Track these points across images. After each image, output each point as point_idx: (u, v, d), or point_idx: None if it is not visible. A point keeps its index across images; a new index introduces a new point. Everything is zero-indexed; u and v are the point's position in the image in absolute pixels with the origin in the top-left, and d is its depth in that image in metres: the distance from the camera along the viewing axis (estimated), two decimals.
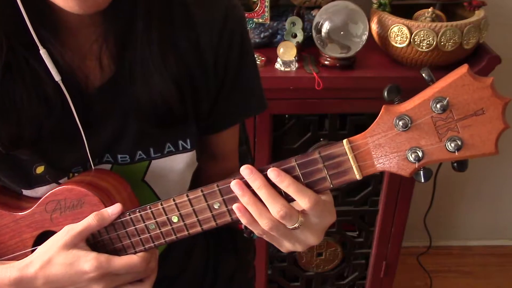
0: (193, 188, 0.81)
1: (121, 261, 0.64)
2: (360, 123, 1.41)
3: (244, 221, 0.61)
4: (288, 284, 1.71)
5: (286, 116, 1.42)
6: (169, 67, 0.68)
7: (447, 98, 0.50)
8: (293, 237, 0.62)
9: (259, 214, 0.60)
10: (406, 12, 1.32)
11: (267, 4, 1.30)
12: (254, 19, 1.31)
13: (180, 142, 0.75)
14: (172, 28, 0.70)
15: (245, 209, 0.60)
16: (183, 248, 0.89)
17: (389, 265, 1.66)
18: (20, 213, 0.71)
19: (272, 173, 0.59)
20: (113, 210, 0.66)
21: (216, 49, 0.73)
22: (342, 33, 1.29)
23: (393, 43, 1.28)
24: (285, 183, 0.58)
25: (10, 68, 0.64)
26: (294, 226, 0.59)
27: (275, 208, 0.58)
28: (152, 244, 0.67)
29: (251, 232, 0.77)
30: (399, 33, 1.25)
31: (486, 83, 0.50)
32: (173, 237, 0.66)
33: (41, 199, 0.69)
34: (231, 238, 0.98)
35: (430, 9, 1.32)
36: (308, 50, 1.39)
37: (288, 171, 0.59)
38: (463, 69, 0.50)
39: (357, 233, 1.67)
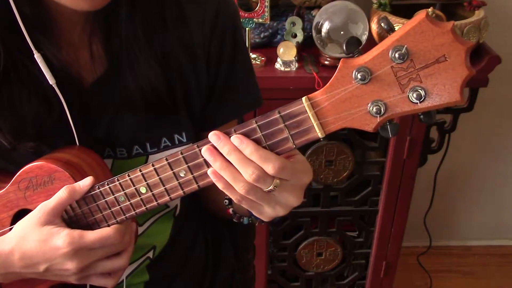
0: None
1: (94, 235, 0.64)
2: None
3: (220, 186, 0.59)
4: (288, 284, 1.71)
5: None
6: (154, 52, 0.69)
7: (405, 46, 0.48)
8: (272, 199, 0.60)
9: (233, 178, 0.58)
10: (406, 12, 1.32)
11: (267, 4, 1.30)
12: (254, 19, 1.31)
13: (176, 136, 0.75)
14: (163, 23, 0.71)
15: (219, 174, 0.59)
16: (183, 247, 0.89)
17: (389, 265, 1.66)
18: None
19: (235, 140, 0.57)
20: (84, 182, 0.66)
21: (209, 46, 0.74)
22: (342, 33, 1.29)
23: None
24: (248, 150, 0.57)
25: (8, 71, 0.65)
26: (269, 188, 0.58)
27: (247, 172, 0.57)
28: (123, 217, 0.67)
29: (241, 216, 0.77)
30: None
31: (446, 28, 0.47)
32: (143, 208, 0.66)
33: (14, 178, 0.69)
34: (231, 237, 0.98)
35: (430, 9, 1.32)
36: (308, 50, 1.39)
37: (250, 134, 0.57)
38: (422, 15, 0.48)
39: (357, 233, 1.67)
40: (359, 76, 0.50)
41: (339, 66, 0.51)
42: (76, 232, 0.64)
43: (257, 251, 1.55)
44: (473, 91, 1.41)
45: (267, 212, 0.62)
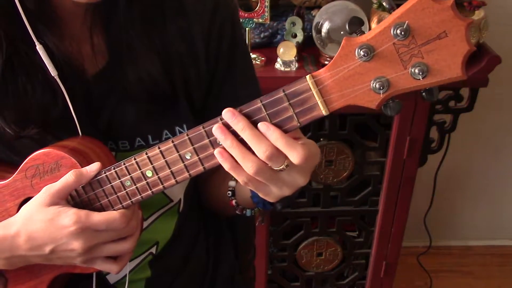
0: (195, 179, 0.83)
1: (100, 216, 0.64)
2: (360, 122, 1.41)
3: (226, 166, 0.58)
4: (288, 284, 1.71)
5: None
6: (153, 44, 0.70)
7: (406, 22, 0.49)
8: (279, 180, 0.60)
9: (242, 157, 0.57)
10: None
11: (267, 4, 1.30)
12: (254, 19, 1.31)
13: (177, 128, 0.76)
14: (162, 14, 0.71)
15: (227, 153, 0.58)
16: (184, 245, 0.89)
17: (389, 265, 1.66)
18: (1, 182, 0.71)
19: (227, 114, 0.57)
20: (91, 167, 0.66)
21: (207, 39, 0.75)
22: (342, 33, 1.29)
23: None
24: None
25: (12, 61, 0.66)
26: (281, 167, 0.57)
27: (261, 148, 0.56)
28: (129, 201, 0.67)
29: (244, 208, 0.77)
30: None
31: (446, 4, 0.48)
32: (149, 192, 0.66)
33: (21, 166, 0.69)
34: (231, 238, 0.98)
35: None
36: (308, 50, 1.39)
37: (255, 113, 0.57)
38: None
39: (357, 233, 1.67)
40: (361, 53, 0.51)
41: (342, 44, 0.52)
42: (83, 212, 0.64)
43: (257, 251, 1.54)
44: (473, 91, 1.41)
45: (274, 193, 0.61)
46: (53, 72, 0.66)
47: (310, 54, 1.38)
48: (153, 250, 0.84)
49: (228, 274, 0.97)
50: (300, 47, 1.35)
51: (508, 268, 2.15)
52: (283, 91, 0.56)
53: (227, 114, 0.57)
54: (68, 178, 0.66)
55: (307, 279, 1.71)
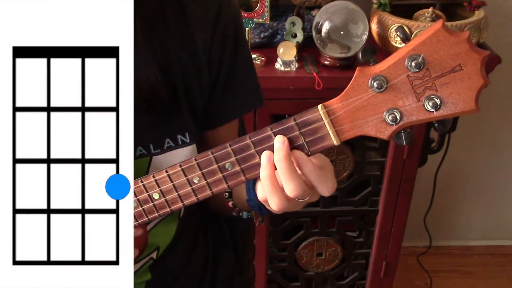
0: None
1: None
2: None
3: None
4: (288, 284, 1.71)
5: (286, 116, 1.42)
6: (154, 53, 0.69)
7: (422, 55, 0.48)
8: (293, 205, 0.59)
9: (269, 192, 0.57)
10: (406, 12, 1.32)
11: (267, 4, 1.30)
12: (254, 19, 1.31)
13: (179, 136, 0.75)
14: (164, 23, 0.71)
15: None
16: (184, 247, 0.89)
17: (389, 265, 1.66)
18: None
19: (297, 153, 0.55)
20: None
21: (210, 45, 0.74)
22: (342, 33, 1.29)
23: (393, 43, 1.28)
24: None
25: None
26: (304, 200, 0.57)
27: (291, 186, 0.55)
28: (135, 223, 0.67)
29: (240, 210, 0.77)
30: None
31: (462, 37, 0.48)
32: (156, 214, 0.66)
33: None
34: (231, 238, 0.98)
35: (430, 9, 1.32)
36: (308, 50, 1.39)
37: (264, 141, 0.57)
38: (438, 24, 0.48)
39: (357, 233, 1.67)
40: (375, 85, 0.51)
41: (355, 74, 0.52)
42: None
43: (257, 251, 1.54)
44: None
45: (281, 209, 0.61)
46: None
47: (310, 54, 1.38)
48: (154, 255, 0.84)
49: (228, 275, 0.97)
50: (300, 47, 1.35)
51: (508, 268, 2.15)
52: (294, 120, 0.55)
53: (280, 138, 0.56)
54: None
55: (307, 279, 1.71)
